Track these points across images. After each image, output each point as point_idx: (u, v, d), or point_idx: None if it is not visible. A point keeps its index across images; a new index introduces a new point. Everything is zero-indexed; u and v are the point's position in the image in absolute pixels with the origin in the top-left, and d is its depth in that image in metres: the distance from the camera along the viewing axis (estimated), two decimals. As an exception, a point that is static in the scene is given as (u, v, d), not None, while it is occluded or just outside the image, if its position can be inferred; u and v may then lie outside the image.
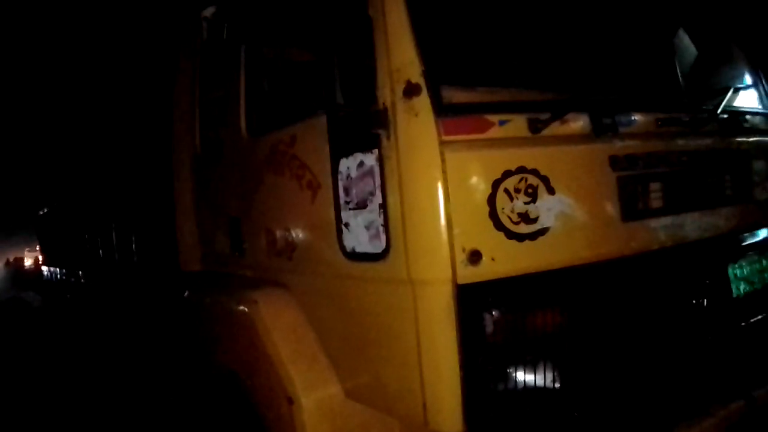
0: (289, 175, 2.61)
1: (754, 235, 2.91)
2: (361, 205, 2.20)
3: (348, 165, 2.25)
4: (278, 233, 2.72)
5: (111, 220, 4.99)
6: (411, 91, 2.01)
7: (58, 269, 9.77)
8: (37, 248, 16.00)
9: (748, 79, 3.21)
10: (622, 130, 2.34)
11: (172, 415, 3.94)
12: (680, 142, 2.55)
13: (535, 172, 2.08)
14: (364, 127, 2.15)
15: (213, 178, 3.37)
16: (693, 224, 2.56)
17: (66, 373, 6.61)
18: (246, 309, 2.74)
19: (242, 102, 3.01)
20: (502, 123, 2.07)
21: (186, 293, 3.40)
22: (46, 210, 10.41)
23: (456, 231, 1.96)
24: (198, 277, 3.50)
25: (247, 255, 3.06)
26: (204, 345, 3.26)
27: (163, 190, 3.76)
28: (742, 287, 2.78)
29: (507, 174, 2.04)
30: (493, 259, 1.99)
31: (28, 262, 30.49)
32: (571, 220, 2.15)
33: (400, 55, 2.06)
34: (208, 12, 3.43)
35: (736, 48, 3.27)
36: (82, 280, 6.98)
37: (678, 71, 2.83)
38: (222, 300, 3.03)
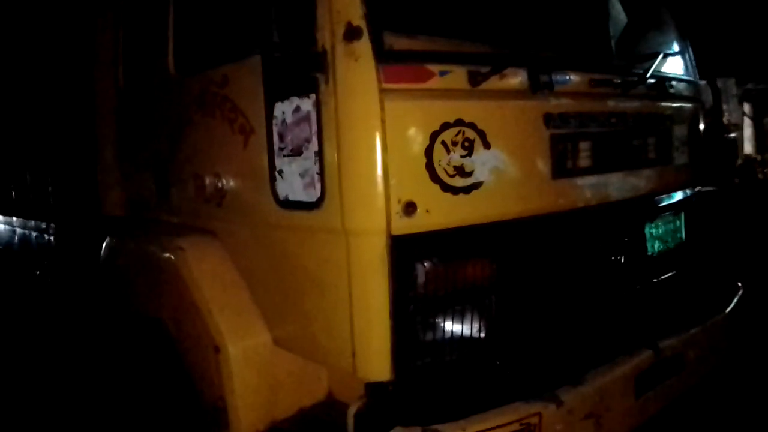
0: (220, 117, 2.49)
1: (670, 197, 3.07)
2: (296, 152, 2.14)
3: (283, 109, 2.17)
4: (207, 179, 2.61)
5: (25, 157, 4.66)
6: (352, 34, 1.95)
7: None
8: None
9: (675, 47, 3.32)
10: (557, 88, 2.37)
11: (92, 363, 3.80)
12: (610, 103, 2.62)
13: (472, 126, 2.09)
14: (301, 69, 2.07)
15: (138, 117, 3.18)
16: (616, 184, 2.67)
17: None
18: (172, 256, 2.64)
19: (171, 37, 2.83)
20: (442, 74, 2.04)
21: (108, 238, 3.24)
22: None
23: (392, 182, 1.94)
24: (121, 222, 3.34)
25: (173, 200, 2.94)
26: (127, 292, 3.14)
27: (83, 128, 3.52)
28: (656, 246, 2.95)
29: (445, 126, 2.03)
30: (427, 211, 2.00)
31: None
32: (505, 175, 2.19)
33: None
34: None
35: (665, 14, 3.36)
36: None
37: (610, 34, 2.88)
38: (146, 246, 2.91)
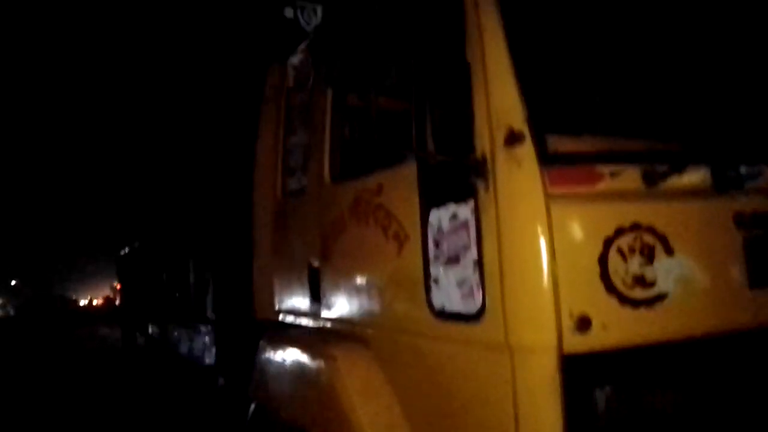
0: (373, 224, 2.49)
1: None
2: (453, 260, 2.04)
3: (439, 216, 2.10)
4: (360, 285, 2.58)
5: (188, 262, 5.04)
6: (513, 138, 1.86)
7: (134, 310, 10.03)
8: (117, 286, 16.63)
9: None
10: (747, 184, 2.09)
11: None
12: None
13: (651, 230, 1.87)
14: (459, 176, 2.00)
15: (293, 224, 3.30)
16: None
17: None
18: (323, 364, 2.59)
19: (326, 147, 2.95)
20: (613, 174, 1.88)
21: (260, 342, 3.30)
22: (127, 250, 10.78)
23: (563, 293, 1.76)
24: (273, 326, 3.41)
25: (324, 305, 2.94)
26: (274, 397, 3.13)
27: (242, 234, 3.73)
28: None
29: (620, 231, 1.83)
30: (604, 327, 1.77)
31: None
32: (692, 285, 1.91)
33: (501, 101, 1.93)
34: (295, 59, 3.44)
35: None
36: (157, 323, 7.09)
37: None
38: (298, 352, 2.91)
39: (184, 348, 5.42)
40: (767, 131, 2.39)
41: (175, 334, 5.84)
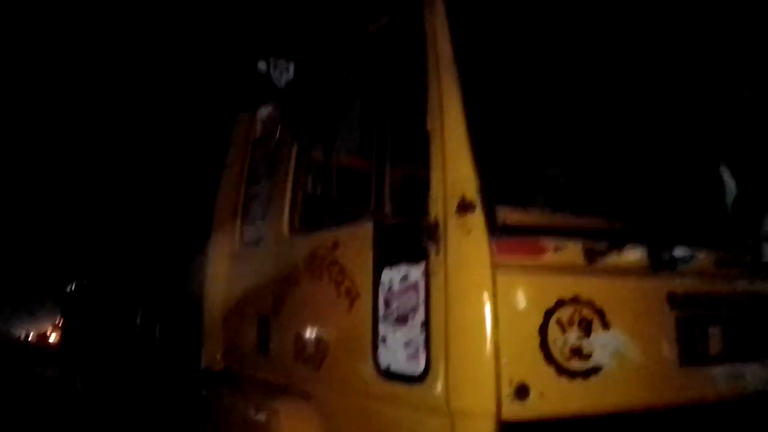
0: (327, 279, 2.52)
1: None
2: (402, 321, 2.09)
3: (391, 276, 2.16)
4: (308, 339, 2.59)
5: (137, 305, 4.93)
6: (465, 207, 1.95)
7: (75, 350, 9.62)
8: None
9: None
10: (680, 266, 2.22)
11: None
12: (741, 284, 2.41)
13: (590, 304, 1.96)
14: (412, 239, 2.07)
15: (247, 274, 3.30)
16: (753, 374, 2.36)
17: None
18: (265, 419, 2.56)
19: (287, 200, 2.99)
20: (557, 249, 1.98)
21: (204, 392, 3.23)
22: (74, 287, 10.42)
23: (504, 360, 1.82)
24: (218, 375, 3.35)
25: (272, 357, 2.92)
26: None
27: (194, 282, 3.69)
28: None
29: (560, 303, 1.92)
30: (541, 396, 1.83)
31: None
32: (627, 360, 2.00)
33: (456, 170, 2.02)
34: (264, 111, 3.52)
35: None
36: (100, 366, 6.83)
37: (729, 210, 2.74)
38: (241, 405, 2.86)
39: (125, 392, 5.23)
40: (702, 217, 2.56)
41: (118, 377, 5.64)
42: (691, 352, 2.16)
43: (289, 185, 3.01)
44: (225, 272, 3.46)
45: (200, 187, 3.98)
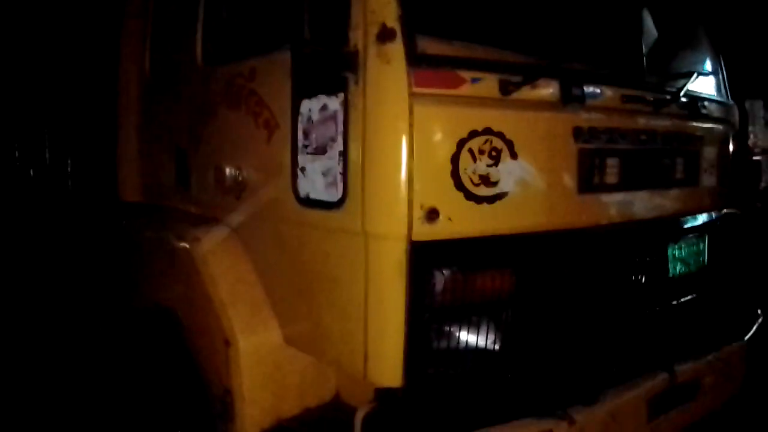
0: (245, 110, 2.48)
1: (695, 219, 3.01)
2: (320, 151, 2.12)
3: (310, 107, 2.15)
4: (228, 170, 2.59)
5: (46, 138, 4.67)
6: (385, 35, 1.92)
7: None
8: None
9: (709, 66, 3.26)
10: (588, 102, 2.33)
11: (98, 350, 3.78)
12: (641, 120, 2.57)
13: (500, 135, 2.05)
14: (331, 68, 2.04)
15: (161, 105, 3.18)
16: (642, 203, 2.62)
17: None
18: (187, 246, 2.63)
19: (200, 27, 2.81)
20: (474, 81, 2.00)
21: (123, 224, 3.24)
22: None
23: (416, 187, 1.91)
24: (138, 209, 3.34)
25: (192, 189, 2.92)
26: (139, 279, 3.14)
27: (105, 113, 3.52)
28: (678, 268, 2.89)
29: (473, 134, 2.00)
30: (450, 219, 1.97)
31: None
32: (530, 187, 2.15)
33: None
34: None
35: (699, 32, 3.30)
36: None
37: (643, 50, 2.83)
38: (163, 234, 2.90)
39: (37, 228, 5.13)
40: (611, 56, 2.64)
41: (29, 214, 5.49)
42: (589, 181, 2.34)
43: (202, 12, 2.81)
44: (136, 102, 3.30)
45: (105, 12, 3.64)
